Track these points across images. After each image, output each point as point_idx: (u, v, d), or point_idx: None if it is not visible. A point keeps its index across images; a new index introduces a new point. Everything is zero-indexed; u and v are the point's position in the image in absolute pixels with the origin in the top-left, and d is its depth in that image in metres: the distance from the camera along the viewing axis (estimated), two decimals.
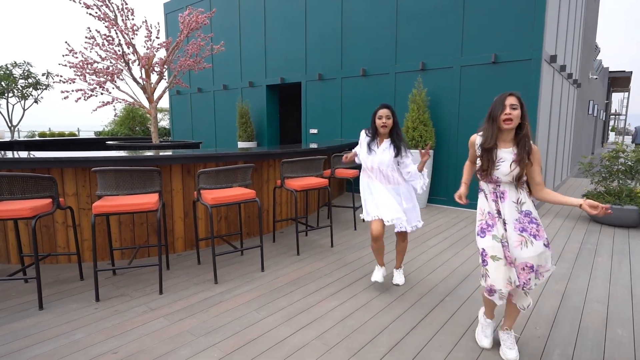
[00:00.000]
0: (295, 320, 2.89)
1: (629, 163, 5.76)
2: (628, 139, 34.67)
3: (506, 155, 2.22)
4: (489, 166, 2.24)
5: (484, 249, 2.29)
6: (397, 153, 3.21)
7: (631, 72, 22.22)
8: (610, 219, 5.57)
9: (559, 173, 8.72)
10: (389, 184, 3.30)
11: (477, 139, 2.36)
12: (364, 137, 3.40)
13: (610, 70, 22.75)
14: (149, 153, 4.11)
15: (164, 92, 6.43)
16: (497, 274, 2.23)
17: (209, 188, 3.70)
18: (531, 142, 2.23)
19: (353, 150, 3.59)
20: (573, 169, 11.55)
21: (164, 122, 20.04)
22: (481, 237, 2.31)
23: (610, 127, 35.52)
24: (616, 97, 37.14)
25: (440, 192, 7.02)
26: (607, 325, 2.85)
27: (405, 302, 3.21)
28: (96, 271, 3.16)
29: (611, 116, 32.14)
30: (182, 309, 3.05)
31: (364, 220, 3.37)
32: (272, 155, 5.01)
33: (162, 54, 5.87)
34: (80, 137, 15.13)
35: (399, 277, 3.56)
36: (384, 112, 3.24)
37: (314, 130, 8.80)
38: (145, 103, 6.37)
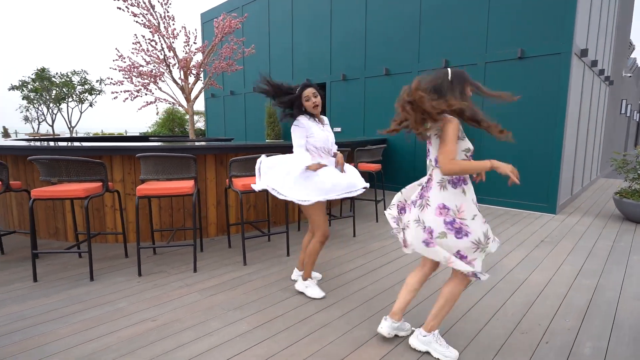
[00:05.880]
0: (319, 301, 3.02)
1: None
2: None
3: None
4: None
5: (482, 235, 2.06)
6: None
7: None
8: None
9: (587, 173, 8.52)
10: (329, 159, 3.07)
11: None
12: (308, 121, 2.93)
13: None
14: (186, 144, 4.50)
15: (200, 92, 6.91)
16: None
17: (240, 176, 4.02)
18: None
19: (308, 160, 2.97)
20: (604, 170, 11.22)
21: (200, 124, 21.04)
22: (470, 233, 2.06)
23: None
24: None
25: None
26: None
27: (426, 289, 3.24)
28: (139, 249, 3.50)
29: None
30: (213, 285, 3.30)
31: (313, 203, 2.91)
32: None
33: (198, 57, 6.42)
34: (127, 135, 16.45)
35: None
36: (309, 91, 2.83)
37: (338, 129, 9.01)
38: (184, 102, 6.87)
